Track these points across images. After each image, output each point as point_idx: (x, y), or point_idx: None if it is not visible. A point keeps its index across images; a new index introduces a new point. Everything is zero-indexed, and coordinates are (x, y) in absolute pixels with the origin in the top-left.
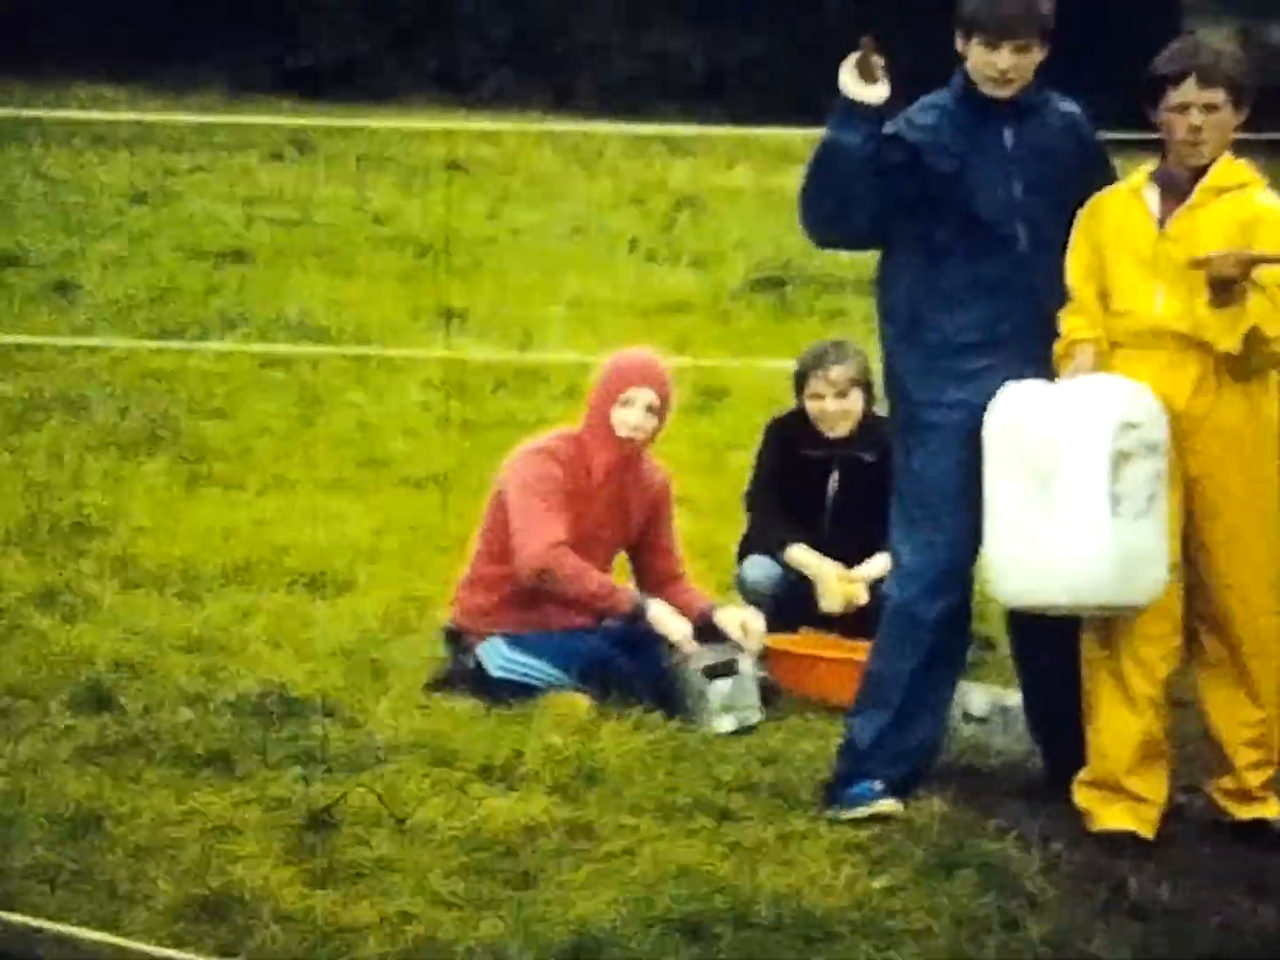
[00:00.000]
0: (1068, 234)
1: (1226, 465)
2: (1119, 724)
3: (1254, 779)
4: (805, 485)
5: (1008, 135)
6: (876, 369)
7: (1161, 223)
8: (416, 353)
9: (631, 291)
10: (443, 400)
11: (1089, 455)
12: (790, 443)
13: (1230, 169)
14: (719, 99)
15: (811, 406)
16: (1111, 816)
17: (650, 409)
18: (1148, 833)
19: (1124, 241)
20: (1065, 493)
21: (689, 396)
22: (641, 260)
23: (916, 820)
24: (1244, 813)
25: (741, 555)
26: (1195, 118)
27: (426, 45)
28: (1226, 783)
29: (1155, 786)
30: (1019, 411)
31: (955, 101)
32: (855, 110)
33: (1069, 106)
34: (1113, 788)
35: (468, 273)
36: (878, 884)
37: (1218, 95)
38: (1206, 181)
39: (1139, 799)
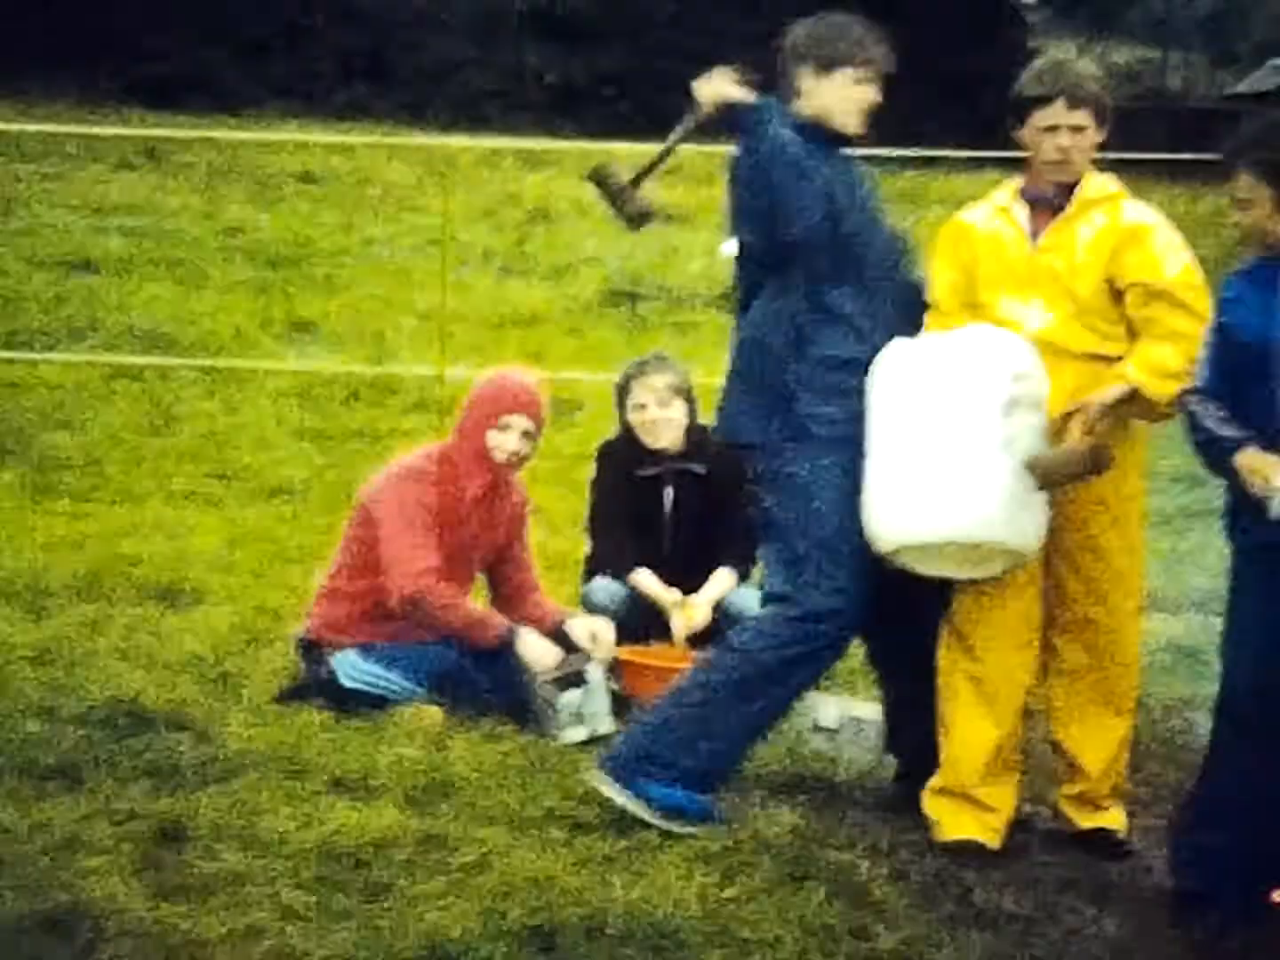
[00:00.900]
0: None
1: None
2: (974, 733)
3: (1102, 788)
4: (641, 504)
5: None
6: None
7: (1034, 237)
8: (268, 364)
9: (484, 304)
10: (294, 412)
11: (985, 397)
12: (622, 464)
13: (1098, 183)
14: (572, 113)
15: (635, 418)
16: (958, 826)
17: (526, 434)
18: (994, 843)
19: (996, 259)
20: (960, 433)
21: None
22: (495, 273)
23: (767, 831)
24: (1088, 822)
25: (587, 576)
26: (1064, 139)
27: (279, 57)
28: (1073, 791)
29: (1004, 797)
30: (910, 359)
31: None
32: (766, 108)
33: None
34: (962, 796)
35: (320, 285)
36: (728, 894)
37: (1085, 117)
38: (1080, 194)
39: (987, 809)
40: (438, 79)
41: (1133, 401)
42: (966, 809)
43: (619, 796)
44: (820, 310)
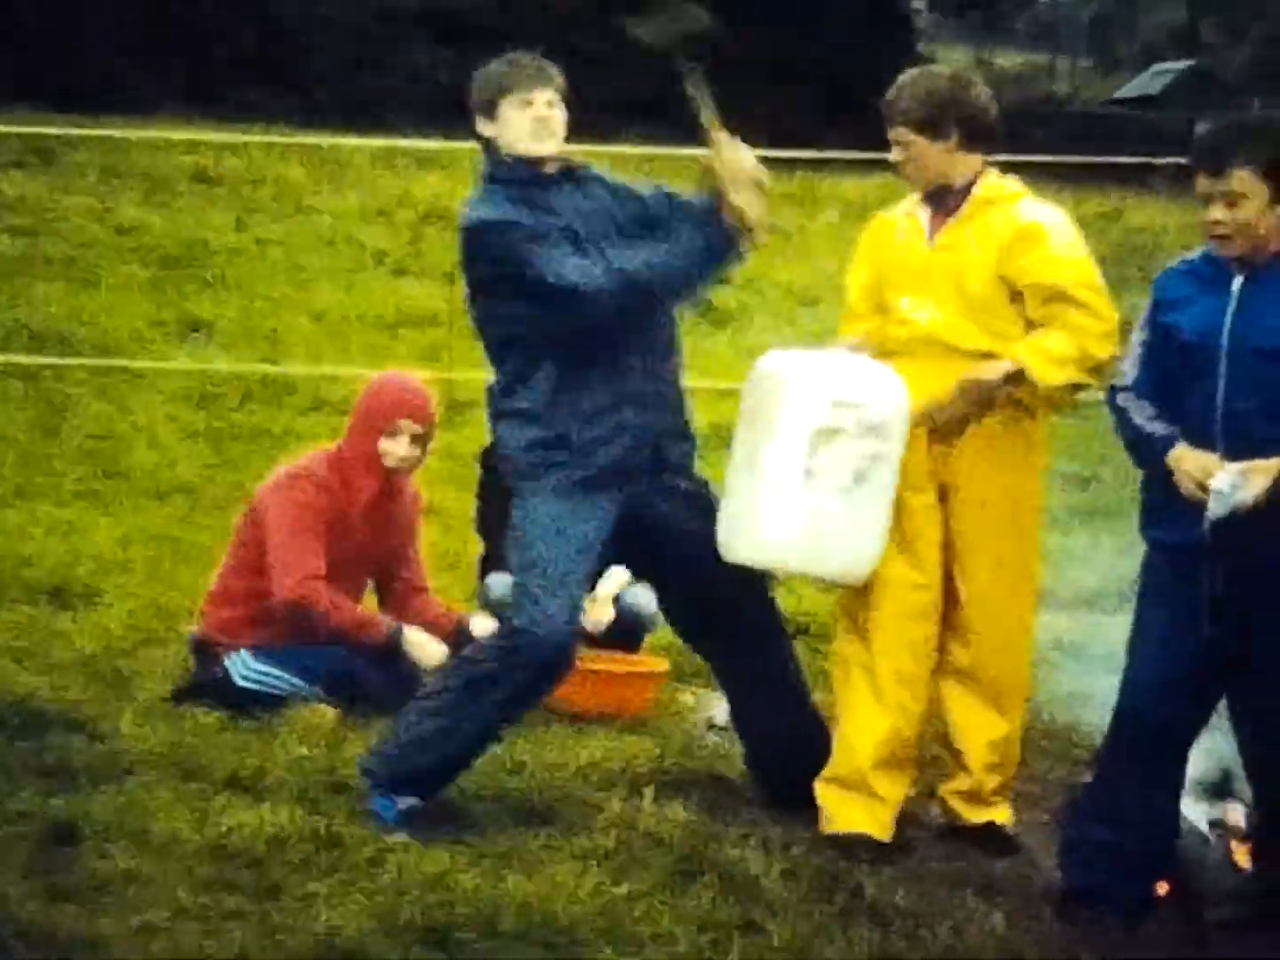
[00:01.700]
0: None
1: (981, 474)
2: (867, 721)
3: (989, 783)
4: None
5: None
6: None
7: (932, 237)
8: (162, 364)
9: (379, 304)
10: (188, 412)
11: (791, 424)
12: (495, 472)
13: (995, 184)
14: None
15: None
16: (847, 818)
17: (416, 439)
18: (882, 835)
19: (900, 258)
20: (768, 456)
21: (437, 409)
22: (389, 273)
23: (660, 828)
24: (976, 816)
25: (483, 572)
26: (894, 153)
27: (173, 57)
28: (960, 786)
29: (894, 788)
30: (758, 373)
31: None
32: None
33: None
34: (854, 785)
35: (214, 284)
36: (621, 891)
37: (900, 133)
38: (974, 195)
39: (876, 799)
40: (332, 79)
41: (1020, 384)
42: (856, 799)
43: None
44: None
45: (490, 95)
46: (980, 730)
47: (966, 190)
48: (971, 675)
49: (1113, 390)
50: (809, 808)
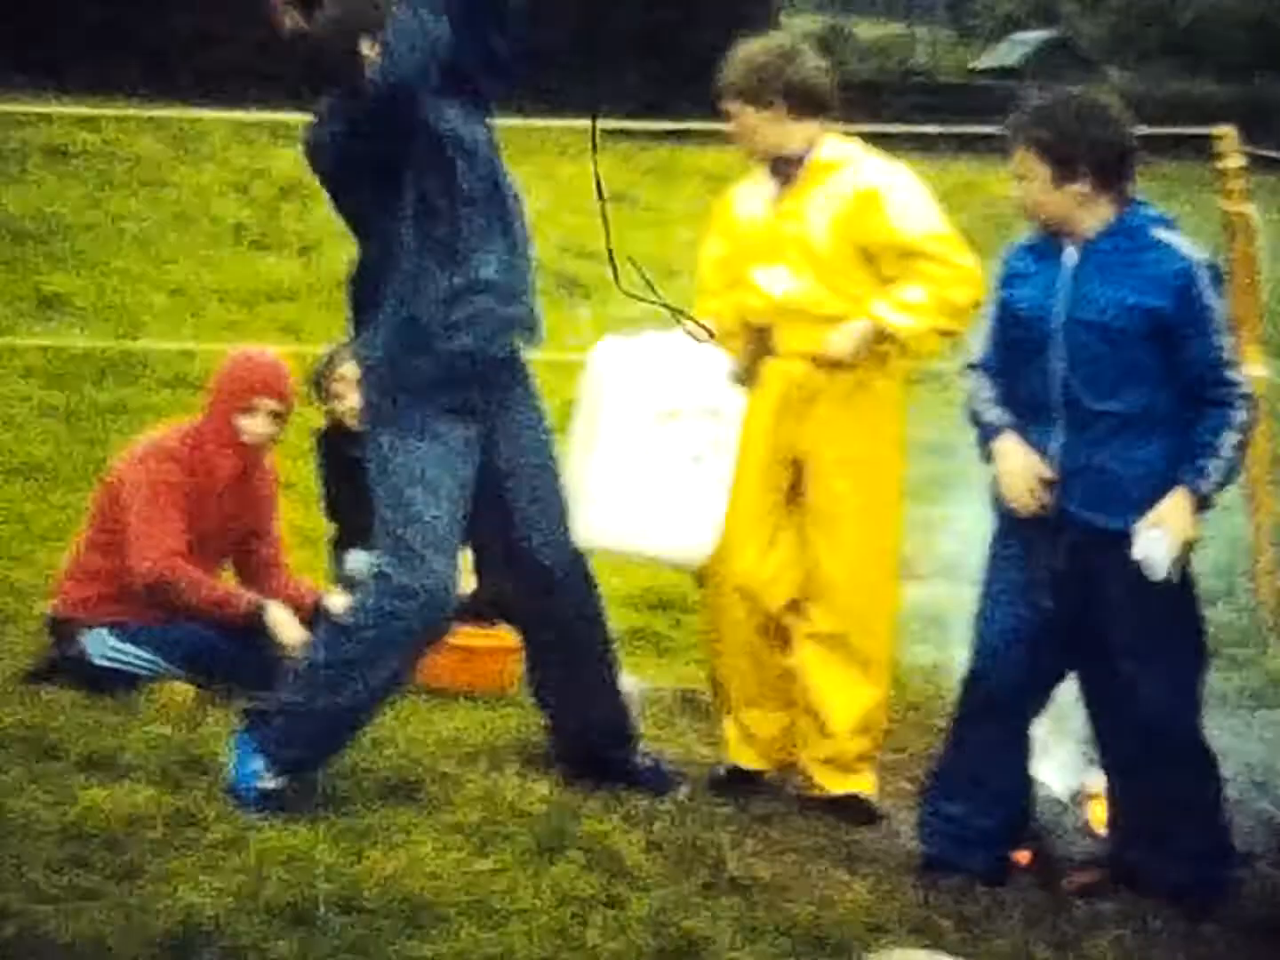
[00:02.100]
0: None
1: (835, 440)
2: (727, 658)
3: (852, 750)
4: (366, 488)
5: None
6: None
7: (775, 207)
8: (15, 341)
9: (237, 279)
10: (42, 389)
11: (628, 409)
12: (336, 451)
13: (832, 149)
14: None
15: (337, 408)
16: (735, 751)
17: (274, 415)
18: (759, 765)
19: (747, 230)
20: (604, 440)
21: (294, 384)
22: (247, 248)
23: (522, 803)
24: (838, 786)
25: (335, 551)
26: (729, 126)
27: (25, 30)
28: (822, 753)
29: (764, 724)
30: (598, 356)
31: None
32: None
33: None
34: (734, 720)
35: (68, 260)
36: (483, 866)
37: (729, 105)
38: (810, 162)
39: (749, 734)
40: (188, 52)
41: (883, 340)
42: (738, 733)
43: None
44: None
45: None
46: (842, 696)
47: (804, 157)
48: (832, 641)
49: (966, 366)
50: (606, 778)
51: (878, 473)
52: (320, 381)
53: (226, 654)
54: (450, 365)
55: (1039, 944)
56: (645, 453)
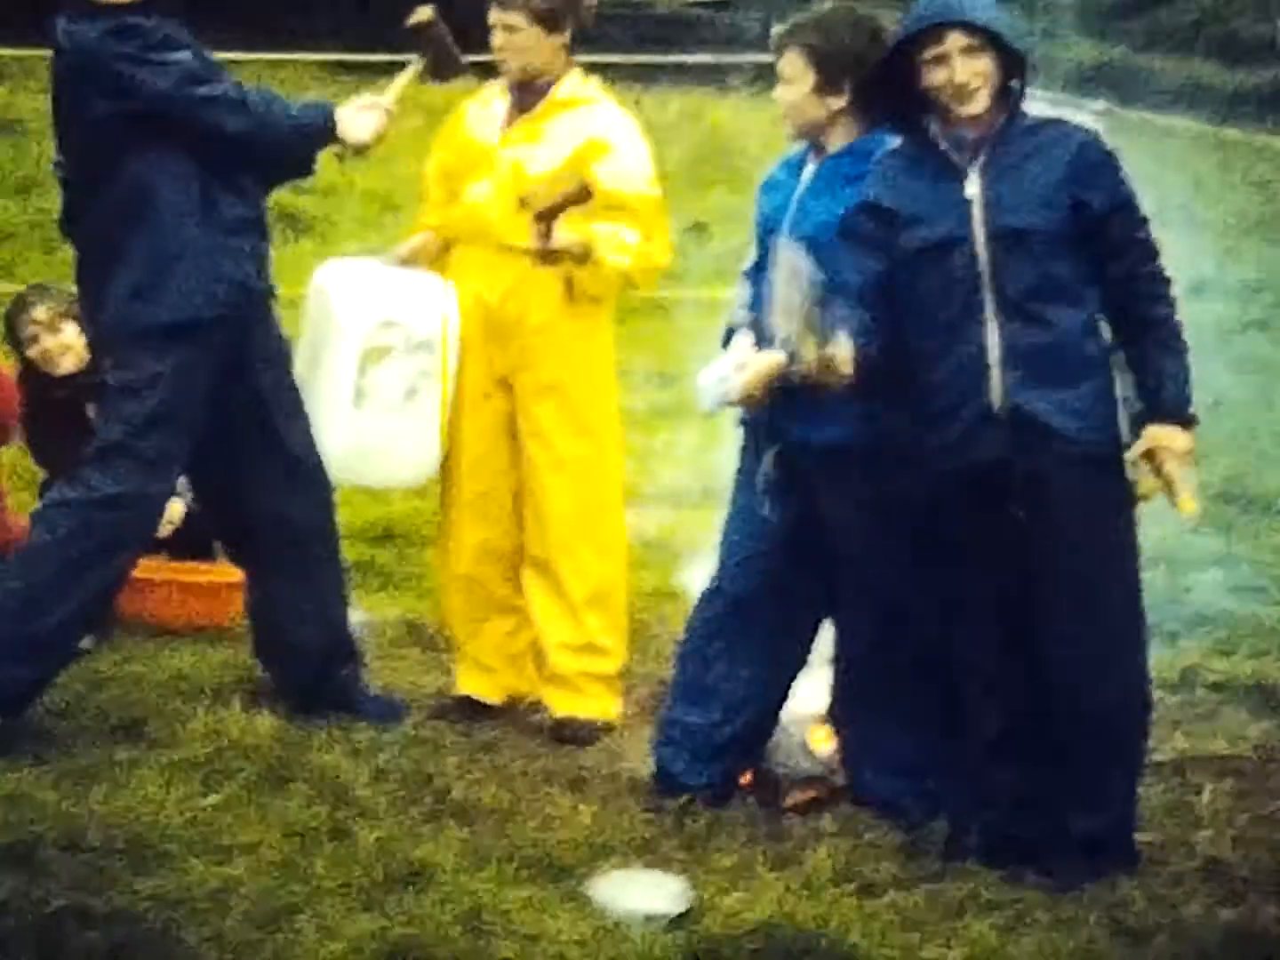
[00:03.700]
0: None
1: (536, 367)
2: (453, 592)
3: (571, 669)
4: (71, 426)
5: None
6: None
7: (503, 130)
8: None
9: None
10: None
11: (340, 346)
12: (36, 394)
13: (573, 86)
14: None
15: (34, 352)
16: (464, 681)
17: None
18: (490, 695)
19: (470, 146)
20: (320, 378)
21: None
22: None
23: (248, 737)
24: (564, 708)
25: (44, 493)
26: (496, 38)
27: None
28: (544, 673)
29: (497, 654)
30: (313, 289)
31: None
32: None
33: None
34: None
35: None
36: (209, 802)
37: (513, 18)
38: (551, 96)
39: (481, 664)
40: None
41: (582, 262)
42: (468, 663)
43: None
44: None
45: None
46: (554, 620)
47: (547, 89)
48: (545, 567)
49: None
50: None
51: (586, 399)
52: (12, 328)
53: None
54: (229, 299)
55: (760, 860)
56: (360, 394)
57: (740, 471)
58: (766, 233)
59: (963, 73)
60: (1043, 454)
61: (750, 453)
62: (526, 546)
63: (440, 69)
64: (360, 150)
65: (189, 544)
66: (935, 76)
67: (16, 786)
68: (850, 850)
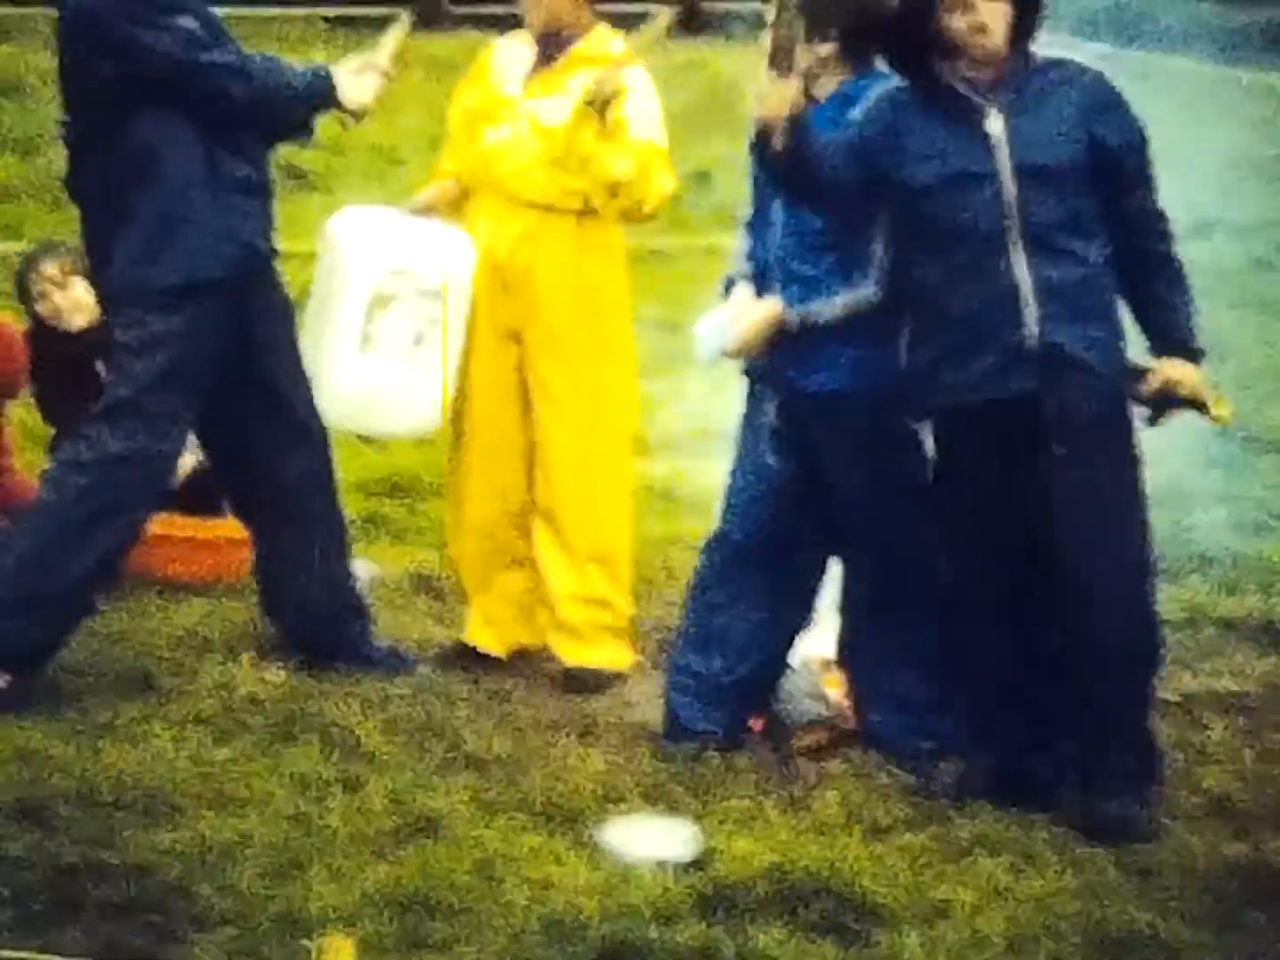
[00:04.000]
0: None
1: (546, 319)
2: (463, 543)
3: (576, 620)
4: (80, 385)
5: None
6: None
7: (525, 80)
8: None
9: None
10: None
11: (349, 292)
12: (47, 350)
13: (599, 41)
14: None
15: (43, 309)
16: (473, 634)
17: None
18: (497, 648)
19: (492, 93)
20: (329, 323)
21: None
22: None
23: (259, 691)
24: (573, 658)
25: (53, 452)
26: None
27: None
28: (552, 623)
29: (497, 604)
30: (325, 235)
31: None
32: None
33: None
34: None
35: None
36: (221, 755)
37: None
38: (575, 49)
39: (490, 617)
40: None
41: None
42: (478, 615)
43: None
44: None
45: None
46: (562, 572)
47: (571, 42)
48: (551, 518)
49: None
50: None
51: (597, 349)
52: (23, 285)
53: None
54: (236, 259)
55: (770, 804)
56: (366, 340)
57: (745, 419)
58: (764, 184)
59: (986, 14)
60: (1071, 388)
61: (754, 401)
62: (535, 498)
63: (429, 20)
64: (361, 114)
65: (199, 499)
66: (957, 19)
67: (30, 742)
68: (859, 793)
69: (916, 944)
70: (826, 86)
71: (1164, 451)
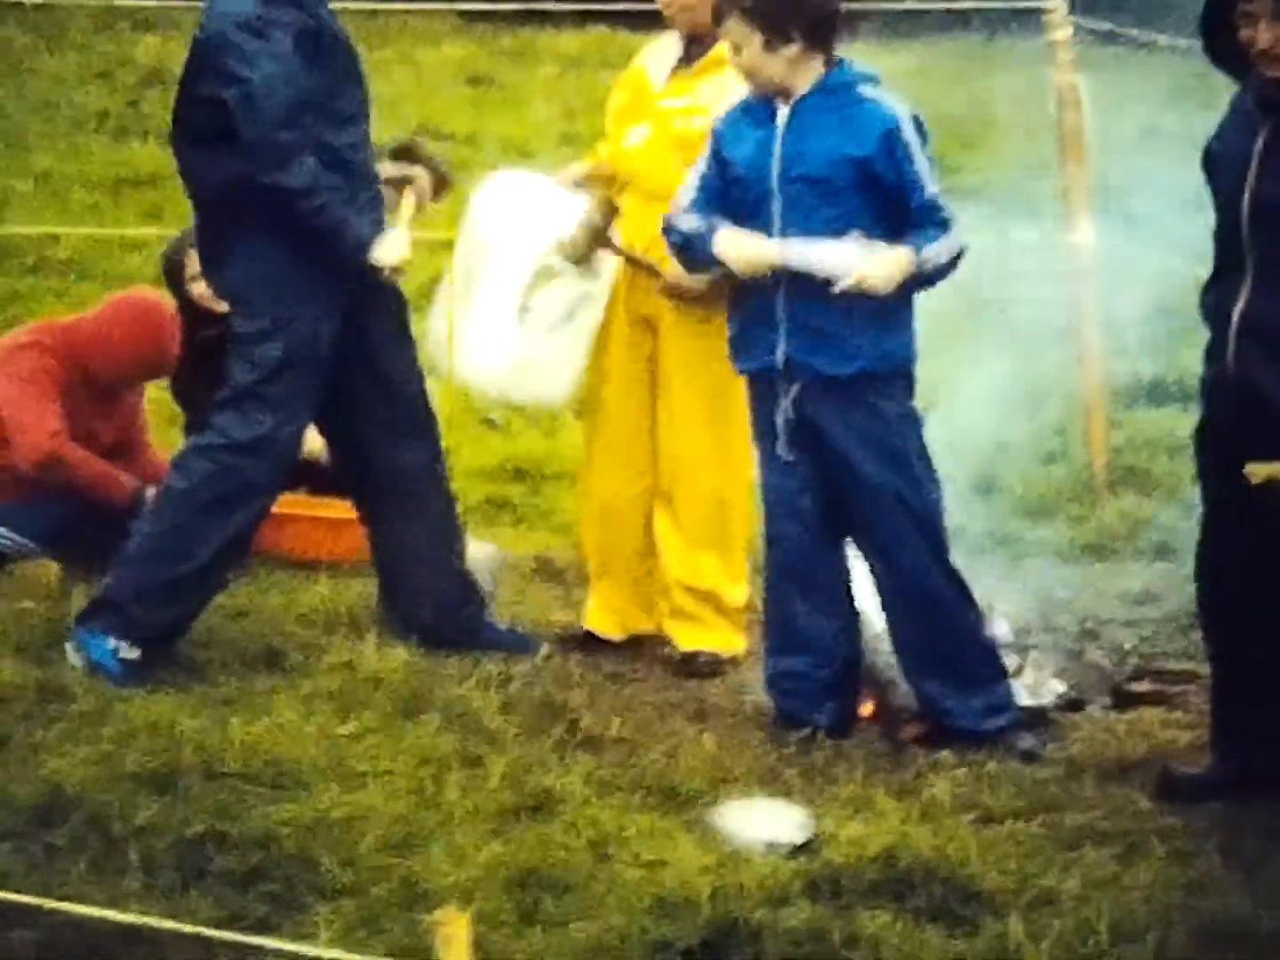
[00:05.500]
0: None
1: (678, 310)
2: (590, 527)
3: (689, 606)
4: (216, 368)
5: None
6: None
7: (665, 80)
8: None
9: (100, 165)
10: None
11: (512, 262)
12: (188, 332)
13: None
14: None
15: (195, 289)
16: (593, 619)
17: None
18: (615, 633)
19: (639, 89)
20: (486, 289)
21: (159, 270)
22: (110, 135)
23: (381, 668)
24: (688, 642)
25: (188, 435)
26: None
27: None
28: (667, 607)
29: (618, 589)
30: (483, 200)
31: None
32: None
33: None
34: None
35: None
36: (345, 730)
37: None
38: (712, 53)
39: (612, 603)
40: None
41: None
42: (599, 600)
43: (71, 652)
44: None
45: None
46: (679, 557)
47: (712, 44)
48: (670, 502)
49: (666, 226)
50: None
51: (721, 342)
52: (178, 263)
53: (90, 531)
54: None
55: (880, 791)
56: (525, 308)
57: (756, 417)
58: (741, 183)
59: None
60: None
61: (760, 401)
62: (657, 484)
63: (438, 188)
64: (395, 271)
65: (328, 479)
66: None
67: (159, 715)
68: (969, 781)
69: (1023, 932)
70: (804, 82)
71: None
